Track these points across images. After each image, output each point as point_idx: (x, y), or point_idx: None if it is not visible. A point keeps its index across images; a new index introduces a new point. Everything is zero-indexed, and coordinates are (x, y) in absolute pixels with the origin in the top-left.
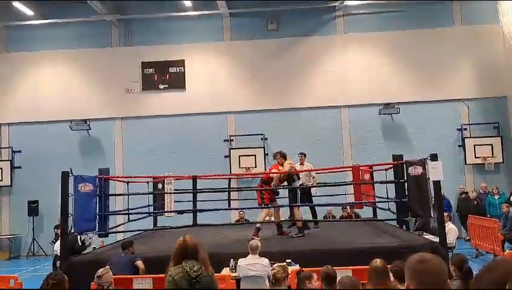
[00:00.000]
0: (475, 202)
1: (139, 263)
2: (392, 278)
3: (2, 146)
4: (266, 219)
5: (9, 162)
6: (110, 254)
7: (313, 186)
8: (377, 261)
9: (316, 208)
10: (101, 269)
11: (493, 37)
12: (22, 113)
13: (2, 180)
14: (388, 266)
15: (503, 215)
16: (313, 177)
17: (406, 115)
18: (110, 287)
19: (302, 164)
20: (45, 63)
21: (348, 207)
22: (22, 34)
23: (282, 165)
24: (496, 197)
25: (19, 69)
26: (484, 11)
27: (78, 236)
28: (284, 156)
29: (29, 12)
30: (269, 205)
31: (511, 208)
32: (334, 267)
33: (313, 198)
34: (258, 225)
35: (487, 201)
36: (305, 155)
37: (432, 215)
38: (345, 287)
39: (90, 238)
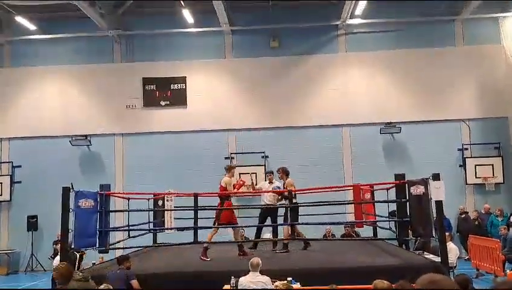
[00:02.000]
0: (476, 222)
1: (134, 283)
2: None
3: (2, 161)
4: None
5: (9, 176)
6: (109, 270)
7: (282, 206)
8: (384, 282)
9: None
10: (102, 285)
11: (495, 58)
12: (23, 128)
13: (1, 195)
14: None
15: (502, 237)
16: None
17: (407, 135)
18: None
19: (270, 182)
20: (46, 78)
21: (348, 226)
22: (24, 48)
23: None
24: (500, 219)
25: (20, 83)
26: (486, 31)
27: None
28: (286, 174)
29: (31, 27)
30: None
31: (510, 230)
32: (336, 287)
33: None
34: (205, 245)
35: (489, 221)
36: (272, 173)
37: (434, 235)
38: None
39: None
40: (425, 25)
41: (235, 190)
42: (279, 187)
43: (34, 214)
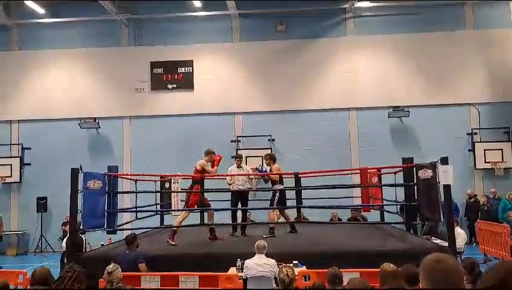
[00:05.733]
0: (485, 207)
1: (142, 266)
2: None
3: (12, 143)
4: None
5: (18, 158)
6: (118, 250)
7: (251, 190)
8: (391, 266)
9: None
10: (111, 266)
11: (505, 42)
12: (32, 110)
13: (11, 176)
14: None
15: (511, 222)
16: (251, 179)
17: (416, 119)
18: (119, 284)
19: (239, 166)
20: (55, 62)
21: (355, 210)
22: (33, 32)
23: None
24: None
25: (29, 66)
26: (496, 15)
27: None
28: (273, 159)
29: (40, 10)
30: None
31: None
32: (342, 270)
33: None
34: (174, 228)
35: (502, 207)
36: (241, 158)
37: (441, 220)
38: (355, 287)
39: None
40: (435, 8)
41: (215, 168)
42: (266, 171)
43: (44, 195)
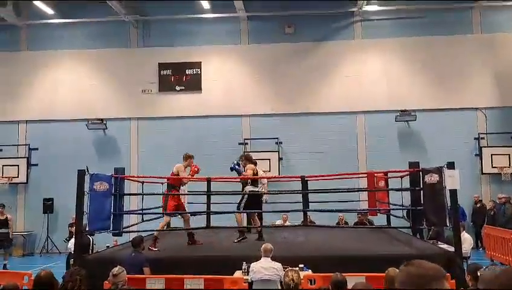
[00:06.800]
0: (492, 212)
1: (146, 270)
2: None
3: (19, 143)
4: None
5: (25, 159)
6: (124, 253)
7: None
8: (396, 270)
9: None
10: (116, 268)
11: None
12: (40, 111)
13: (18, 177)
14: None
15: None
16: (263, 184)
17: (423, 123)
18: (125, 287)
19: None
20: (64, 62)
21: (361, 214)
22: (42, 32)
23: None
24: None
25: (38, 67)
26: (503, 19)
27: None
28: (249, 160)
29: (49, 11)
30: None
31: None
32: (347, 274)
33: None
34: (155, 233)
35: None
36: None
37: (447, 225)
38: None
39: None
40: (443, 13)
41: (190, 176)
42: (240, 168)
43: (50, 196)
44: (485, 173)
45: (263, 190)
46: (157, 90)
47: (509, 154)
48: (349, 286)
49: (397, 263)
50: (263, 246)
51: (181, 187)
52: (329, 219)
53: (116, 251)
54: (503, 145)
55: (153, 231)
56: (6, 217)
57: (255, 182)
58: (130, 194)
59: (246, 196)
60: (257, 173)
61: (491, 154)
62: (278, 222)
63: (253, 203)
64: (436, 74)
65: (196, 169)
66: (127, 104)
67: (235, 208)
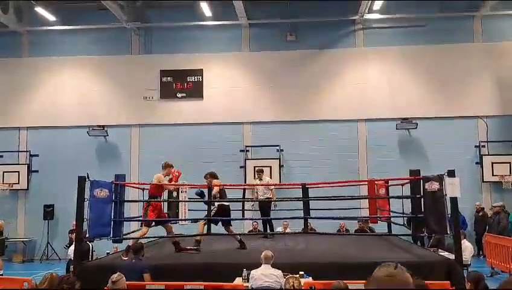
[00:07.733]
0: (491, 220)
1: (146, 277)
2: None
3: (20, 150)
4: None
5: (26, 165)
6: (124, 259)
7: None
8: None
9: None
10: (116, 275)
11: None
12: (41, 117)
13: (18, 183)
14: None
15: None
16: (271, 190)
17: (424, 131)
18: None
19: (260, 179)
20: (65, 69)
21: (362, 221)
22: (43, 39)
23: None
24: None
25: (39, 73)
26: (505, 27)
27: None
28: (213, 177)
29: (51, 18)
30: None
31: None
32: (348, 281)
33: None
34: (130, 243)
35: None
36: (262, 171)
37: (448, 232)
38: None
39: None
40: (444, 21)
41: (173, 183)
42: (204, 194)
43: (51, 203)
44: (485, 181)
45: (271, 197)
46: (159, 97)
47: (510, 163)
48: None
49: None
50: (264, 253)
51: (181, 195)
52: (330, 226)
53: (116, 257)
54: (504, 153)
55: (154, 237)
56: None
57: (223, 195)
58: (130, 201)
59: (215, 209)
60: (223, 187)
61: (492, 163)
62: (279, 229)
63: (222, 216)
64: (437, 82)
65: (177, 174)
66: (128, 111)
67: (235, 215)
